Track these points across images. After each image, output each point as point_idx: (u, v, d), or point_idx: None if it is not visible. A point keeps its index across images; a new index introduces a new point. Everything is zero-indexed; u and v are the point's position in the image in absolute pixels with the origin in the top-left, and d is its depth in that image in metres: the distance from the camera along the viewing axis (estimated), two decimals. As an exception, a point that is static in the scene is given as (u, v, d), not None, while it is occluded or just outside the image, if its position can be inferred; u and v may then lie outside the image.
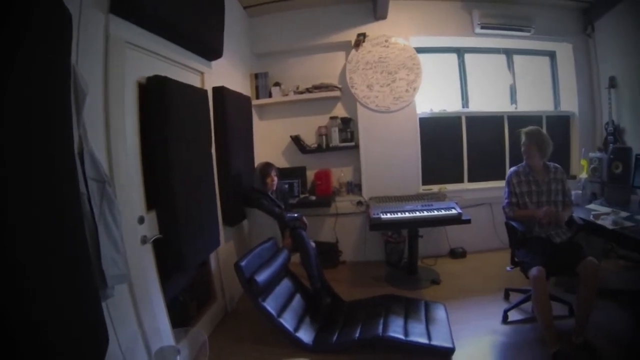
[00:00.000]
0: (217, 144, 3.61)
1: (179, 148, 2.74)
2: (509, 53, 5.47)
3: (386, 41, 4.77)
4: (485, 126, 5.25)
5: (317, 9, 4.79)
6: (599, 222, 3.45)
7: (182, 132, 2.82)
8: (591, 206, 3.99)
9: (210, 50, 3.47)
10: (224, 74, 3.87)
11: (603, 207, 3.85)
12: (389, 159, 4.84)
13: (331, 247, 4.81)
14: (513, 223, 3.39)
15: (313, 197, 4.69)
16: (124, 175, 2.25)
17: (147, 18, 2.44)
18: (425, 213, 4.05)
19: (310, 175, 4.92)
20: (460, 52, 5.30)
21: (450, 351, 2.92)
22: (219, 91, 3.68)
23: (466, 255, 4.98)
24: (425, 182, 5.03)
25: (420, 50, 4.94)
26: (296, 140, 4.78)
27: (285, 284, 3.60)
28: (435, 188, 4.96)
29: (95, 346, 1.73)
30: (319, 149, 4.83)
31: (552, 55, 5.67)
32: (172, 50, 2.90)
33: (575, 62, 5.36)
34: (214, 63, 3.63)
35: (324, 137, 4.83)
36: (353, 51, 4.79)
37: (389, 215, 4.02)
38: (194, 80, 3.29)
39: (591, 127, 5.46)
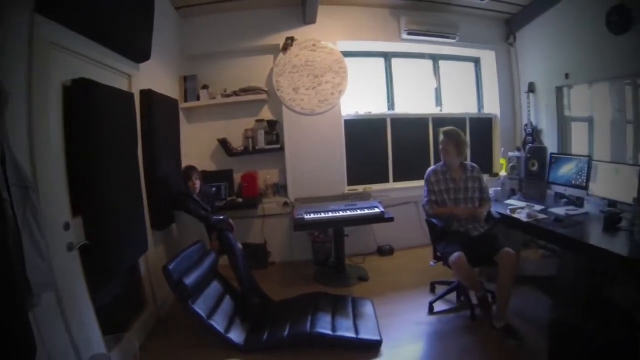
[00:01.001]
0: (144, 147, 3.51)
1: (104, 152, 2.64)
2: (435, 58, 5.71)
3: (314, 45, 4.85)
4: (411, 127, 5.47)
5: (248, 12, 4.80)
6: (515, 215, 3.72)
7: (108, 136, 2.72)
8: (509, 201, 4.28)
9: (138, 52, 3.37)
10: (152, 76, 3.78)
11: (520, 202, 4.15)
12: (314, 160, 4.93)
13: (260, 248, 4.82)
14: (433, 220, 3.54)
15: (240, 200, 4.68)
16: (48, 180, 2.14)
17: (73, 18, 2.34)
18: (349, 212, 4.16)
19: (237, 177, 4.89)
20: (387, 56, 5.48)
21: (377, 343, 3.06)
22: (146, 94, 3.59)
23: (393, 252, 5.14)
24: (351, 182, 5.15)
25: (347, 54, 5.07)
26: (223, 143, 4.75)
27: (214, 286, 3.58)
28: (360, 188, 5.09)
29: (21, 356, 1.67)
30: (245, 152, 4.83)
31: (476, 61, 5.99)
32: (98, 52, 2.79)
33: (498, 68, 5.72)
34: (142, 65, 3.53)
35: (250, 139, 4.83)
36: (281, 54, 4.83)
37: (312, 216, 4.10)
38: (120, 83, 3.19)
39: (511, 128, 5.84)
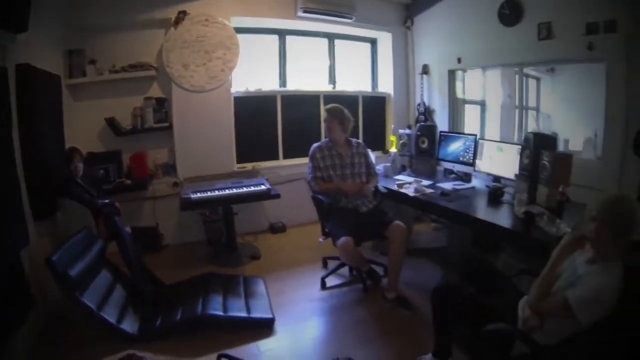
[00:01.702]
0: (20, 128, 3.14)
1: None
2: (331, 37, 5.75)
3: (207, 20, 4.70)
4: (302, 105, 5.51)
5: None
6: (403, 190, 3.84)
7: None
8: (399, 177, 4.43)
9: (13, 21, 2.92)
10: (32, 49, 3.39)
11: (408, 178, 4.32)
12: (203, 139, 4.81)
13: (152, 232, 4.66)
14: (319, 196, 3.56)
15: (128, 181, 4.48)
16: None
17: None
18: (235, 190, 4.14)
19: (126, 158, 4.66)
20: (282, 33, 5.42)
21: (270, 321, 3.08)
22: (23, 69, 3.20)
23: (286, 229, 5.18)
24: (241, 160, 5.11)
25: (241, 30, 4.97)
26: (110, 122, 4.49)
27: (103, 276, 3.33)
28: (249, 166, 5.05)
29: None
30: (134, 131, 4.58)
31: (373, 41, 6.11)
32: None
33: (394, 50, 5.92)
34: (20, 37, 3.09)
35: (139, 118, 4.61)
36: (172, 29, 4.63)
37: (198, 195, 4.03)
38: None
39: (405, 107, 6.12)
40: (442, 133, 4.65)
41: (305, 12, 5.02)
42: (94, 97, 4.61)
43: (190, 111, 4.75)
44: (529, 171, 3.43)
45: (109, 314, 2.97)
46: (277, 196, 4.17)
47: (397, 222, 3.37)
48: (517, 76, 5.03)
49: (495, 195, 3.63)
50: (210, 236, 4.73)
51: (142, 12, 4.59)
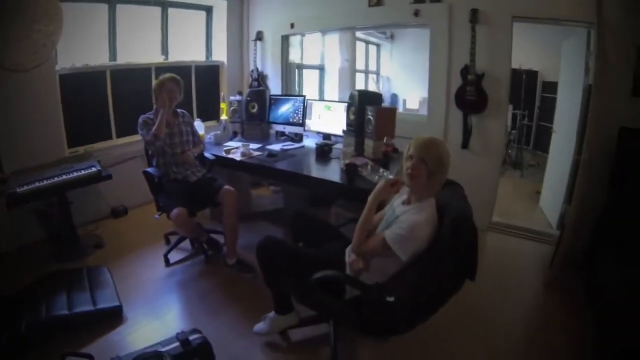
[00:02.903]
0: None
1: None
2: (164, 5, 5.46)
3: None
4: (133, 79, 5.17)
5: None
6: (230, 155, 3.86)
7: None
8: (229, 143, 4.41)
9: None
10: None
11: (237, 143, 4.33)
12: (27, 125, 4.21)
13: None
14: (148, 170, 3.56)
15: None
16: None
17: None
18: (64, 177, 3.83)
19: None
20: (112, 2, 4.95)
21: (118, 309, 2.99)
22: None
23: (127, 212, 4.99)
24: (73, 144, 4.64)
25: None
26: None
27: None
28: (82, 149, 4.64)
29: None
30: None
31: (209, 10, 6.01)
32: None
33: (228, 18, 5.95)
34: None
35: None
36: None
37: (25, 187, 3.62)
38: None
39: (239, 74, 6.26)
40: (271, 96, 4.78)
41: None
42: None
43: (9, 95, 4.07)
44: (355, 126, 3.69)
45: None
46: (109, 177, 3.98)
47: (227, 187, 3.49)
48: (356, 42, 5.45)
49: (322, 152, 3.82)
50: (50, 232, 4.29)
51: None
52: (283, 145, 4.17)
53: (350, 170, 3.09)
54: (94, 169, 3.94)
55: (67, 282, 3.30)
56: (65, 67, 4.58)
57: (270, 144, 4.33)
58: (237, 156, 3.81)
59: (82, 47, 4.78)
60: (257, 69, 5.92)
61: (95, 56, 4.91)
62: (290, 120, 4.49)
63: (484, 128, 4.30)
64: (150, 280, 3.49)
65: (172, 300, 3.26)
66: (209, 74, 6.15)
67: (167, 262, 3.74)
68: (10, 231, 4.20)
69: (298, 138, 4.46)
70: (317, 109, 4.33)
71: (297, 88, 6.20)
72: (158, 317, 3.02)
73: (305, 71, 6.38)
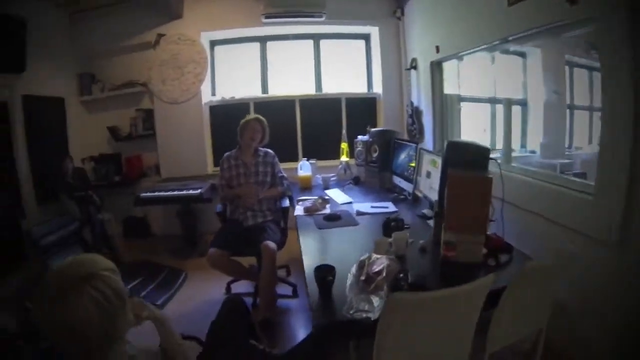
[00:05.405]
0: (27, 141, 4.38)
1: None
2: (315, 38, 5.82)
3: (178, 39, 5.33)
4: (277, 110, 5.62)
5: (127, 14, 5.31)
6: (297, 206, 3.51)
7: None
8: (330, 191, 4.01)
9: (11, 65, 4.07)
10: (40, 79, 4.58)
11: (339, 193, 3.90)
12: (180, 144, 5.48)
13: (141, 221, 5.63)
14: (218, 206, 3.85)
15: (117, 179, 5.43)
16: None
17: None
18: (171, 192, 4.79)
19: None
20: (263, 41, 5.74)
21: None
22: (26, 99, 4.35)
23: None
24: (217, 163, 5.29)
25: (220, 42, 5.58)
26: (111, 130, 5.51)
27: (76, 249, 4.17)
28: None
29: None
30: (129, 138, 5.54)
31: (367, 38, 5.91)
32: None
33: (382, 44, 5.63)
34: (31, 70, 4.25)
35: (133, 127, 5.55)
36: (152, 50, 5.38)
37: (148, 194, 4.79)
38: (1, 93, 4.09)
39: (398, 108, 5.74)
40: (396, 140, 4.02)
41: (267, 17, 5.08)
42: (99, 110, 5.67)
43: (169, 121, 5.48)
44: (438, 200, 2.48)
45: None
46: (209, 200, 4.74)
47: (268, 242, 3.18)
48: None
49: (389, 228, 2.51)
50: (183, 231, 5.29)
51: (129, 38, 5.44)
52: (373, 206, 3.32)
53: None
54: (198, 191, 4.70)
55: (149, 272, 4.25)
56: (215, 100, 5.63)
57: (373, 200, 3.59)
58: (299, 210, 3.37)
59: (240, 82, 5.77)
60: (412, 103, 5.15)
61: (252, 90, 5.78)
62: (405, 172, 3.63)
63: None
64: (203, 302, 3.65)
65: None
66: (362, 107, 5.84)
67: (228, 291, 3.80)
68: (159, 222, 5.69)
69: (403, 198, 3.59)
70: (426, 163, 3.13)
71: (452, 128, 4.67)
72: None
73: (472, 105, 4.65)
